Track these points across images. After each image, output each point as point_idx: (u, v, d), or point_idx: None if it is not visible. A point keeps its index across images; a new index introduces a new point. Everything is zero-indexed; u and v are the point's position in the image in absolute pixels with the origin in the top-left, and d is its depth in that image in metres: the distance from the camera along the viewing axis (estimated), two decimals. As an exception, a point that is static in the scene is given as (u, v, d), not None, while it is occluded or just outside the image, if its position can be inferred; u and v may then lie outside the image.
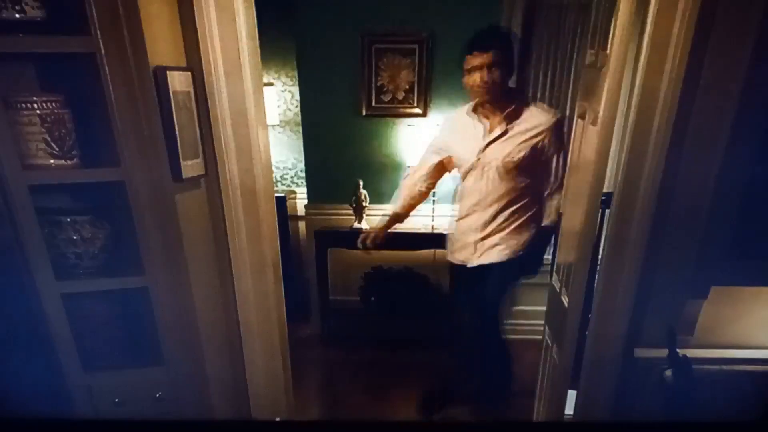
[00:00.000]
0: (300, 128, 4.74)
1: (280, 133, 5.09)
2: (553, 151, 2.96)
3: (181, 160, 2.19)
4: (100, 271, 1.97)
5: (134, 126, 1.85)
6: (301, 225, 5.08)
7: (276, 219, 2.74)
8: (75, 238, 1.87)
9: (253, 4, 2.36)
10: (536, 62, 4.03)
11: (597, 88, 2.44)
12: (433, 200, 4.31)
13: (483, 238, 3.09)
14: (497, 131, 2.93)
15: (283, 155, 5.16)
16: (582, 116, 2.69)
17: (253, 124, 2.44)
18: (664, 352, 2.35)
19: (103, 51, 1.74)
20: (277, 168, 5.11)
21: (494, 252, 3.10)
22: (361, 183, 4.36)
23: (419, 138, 4.04)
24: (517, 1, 3.88)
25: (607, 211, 2.39)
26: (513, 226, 3.06)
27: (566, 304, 2.60)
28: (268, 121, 2.74)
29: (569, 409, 2.75)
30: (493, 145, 2.95)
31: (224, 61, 2.29)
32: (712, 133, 2.05)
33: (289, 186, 5.26)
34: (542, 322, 3.28)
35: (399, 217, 3.36)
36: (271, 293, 2.68)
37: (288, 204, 4.99)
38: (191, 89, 2.24)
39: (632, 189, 2.22)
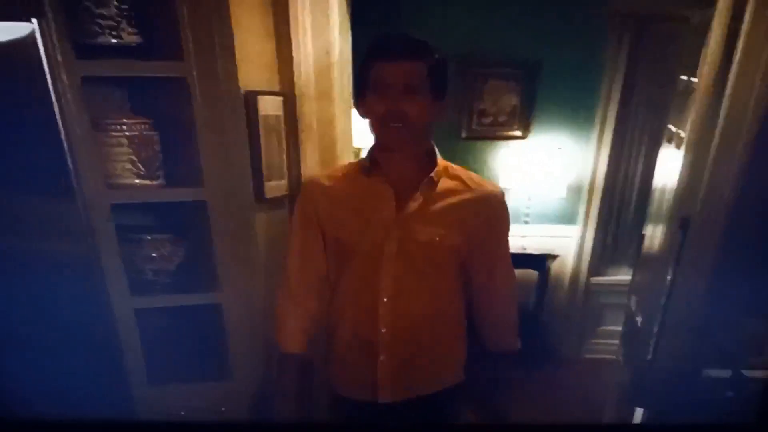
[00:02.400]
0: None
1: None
2: (496, 244, 1.85)
3: (264, 180, 2.22)
4: (176, 288, 2.00)
5: (220, 147, 1.89)
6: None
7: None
8: (154, 255, 1.92)
9: (349, 29, 2.36)
10: (639, 90, 3.97)
11: (685, 113, 2.53)
12: (525, 221, 4.23)
13: (398, 362, 1.81)
14: (416, 201, 1.75)
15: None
16: (669, 140, 2.82)
17: (340, 146, 2.44)
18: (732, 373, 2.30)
19: (195, 77, 1.79)
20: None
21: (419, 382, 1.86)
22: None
23: (518, 160, 4.13)
24: (625, 31, 3.78)
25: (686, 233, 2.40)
26: (441, 345, 1.88)
27: (639, 324, 2.69)
28: (358, 144, 2.74)
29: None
30: (408, 220, 1.75)
31: (317, 85, 2.31)
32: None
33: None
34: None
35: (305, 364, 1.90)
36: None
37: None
38: (281, 113, 2.28)
39: (712, 212, 2.23)
